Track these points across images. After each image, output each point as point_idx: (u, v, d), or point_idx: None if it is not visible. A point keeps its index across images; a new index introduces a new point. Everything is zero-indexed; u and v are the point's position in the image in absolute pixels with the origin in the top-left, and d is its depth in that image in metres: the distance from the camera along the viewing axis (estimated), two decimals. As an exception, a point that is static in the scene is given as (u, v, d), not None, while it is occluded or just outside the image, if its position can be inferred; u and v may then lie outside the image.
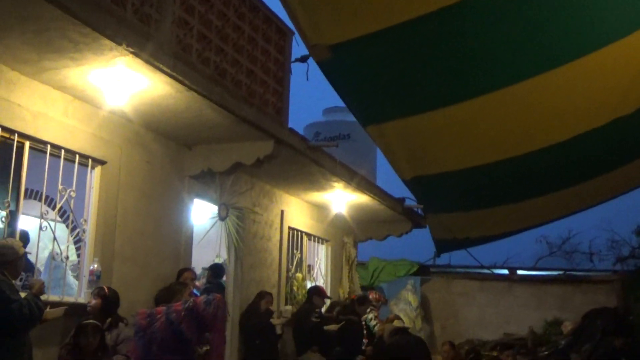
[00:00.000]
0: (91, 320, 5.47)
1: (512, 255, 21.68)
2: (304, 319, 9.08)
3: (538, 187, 11.12)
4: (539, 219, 13.00)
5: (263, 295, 8.60)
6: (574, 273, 14.15)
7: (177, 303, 5.67)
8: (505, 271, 14.44)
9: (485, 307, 13.37)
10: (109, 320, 5.85)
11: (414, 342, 8.59)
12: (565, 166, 10.38)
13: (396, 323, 8.92)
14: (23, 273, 5.44)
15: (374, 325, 10.20)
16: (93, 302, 5.82)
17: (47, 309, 5.04)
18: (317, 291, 9.55)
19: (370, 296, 10.91)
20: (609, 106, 9.12)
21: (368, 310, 10.36)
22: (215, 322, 5.26)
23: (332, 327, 9.12)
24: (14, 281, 4.88)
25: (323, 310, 9.87)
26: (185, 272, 7.22)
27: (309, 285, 10.83)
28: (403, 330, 8.61)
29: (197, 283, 8.29)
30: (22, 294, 4.85)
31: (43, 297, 5.11)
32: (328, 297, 10.18)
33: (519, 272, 14.20)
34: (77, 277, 6.56)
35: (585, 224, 19.41)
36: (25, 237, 5.92)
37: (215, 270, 8.63)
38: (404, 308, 12.42)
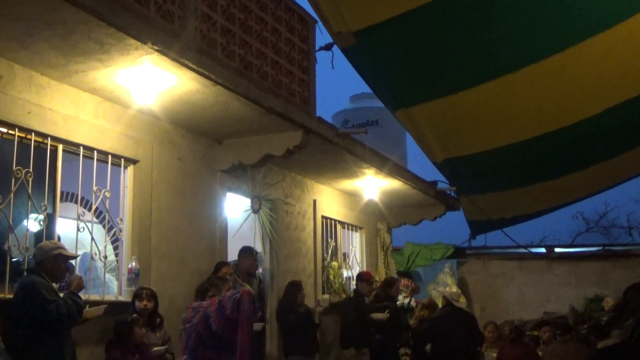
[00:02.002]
0: (135, 315, 5.59)
1: (548, 233, 21.55)
2: (346, 310, 9.04)
3: (572, 162, 10.95)
4: (574, 195, 12.80)
5: (299, 286, 8.57)
6: (613, 248, 13.94)
7: (215, 297, 5.72)
8: (543, 250, 14.28)
9: (524, 287, 13.25)
10: (158, 320, 6.03)
11: (462, 315, 8.67)
12: (600, 140, 10.20)
13: (449, 289, 8.94)
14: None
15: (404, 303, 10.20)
16: (147, 304, 5.93)
17: (87, 308, 5.12)
18: (361, 277, 9.40)
19: (401, 282, 10.90)
20: (642, 76, 8.93)
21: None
22: (238, 316, 5.22)
23: (381, 315, 9.06)
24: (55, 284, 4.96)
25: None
26: (223, 266, 7.27)
27: (345, 273, 10.85)
28: (450, 304, 8.67)
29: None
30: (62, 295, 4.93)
31: (84, 297, 5.20)
32: (376, 281, 10.04)
33: (557, 249, 14.03)
34: (115, 276, 6.65)
35: (621, 198, 19.15)
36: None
37: None
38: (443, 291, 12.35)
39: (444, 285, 12.17)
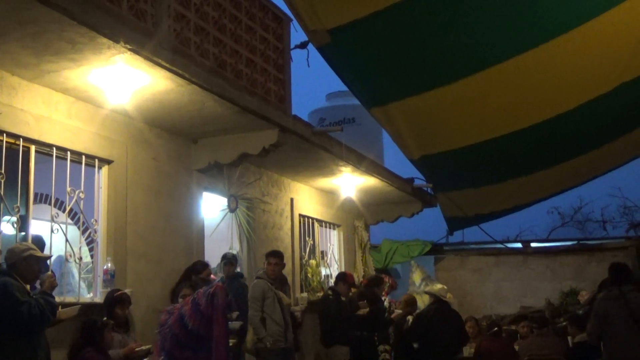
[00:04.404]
0: (105, 319, 5.53)
1: (524, 228, 21.66)
2: (325, 308, 9.03)
3: (547, 158, 11.06)
4: (549, 190, 12.93)
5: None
6: (587, 242, 14.10)
7: (188, 298, 5.71)
8: (519, 245, 14.40)
9: (501, 282, 13.35)
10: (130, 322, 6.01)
11: (450, 312, 8.73)
12: (574, 135, 10.31)
13: (436, 286, 8.97)
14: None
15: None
16: (127, 309, 5.90)
17: (60, 309, 5.06)
18: (343, 277, 9.28)
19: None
20: (614, 71, 9.02)
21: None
22: (213, 312, 5.22)
23: (360, 312, 9.09)
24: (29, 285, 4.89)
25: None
26: (205, 268, 7.21)
27: (323, 271, 10.85)
28: (439, 300, 8.71)
29: (212, 276, 8.30)
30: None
31: (59, 299, 5.14)
32: (355, 286, 9.98)
33: (533, 244, 14.16)
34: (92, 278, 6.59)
35: (596, 192, 19.30)
36: (38, 242, 5.89)
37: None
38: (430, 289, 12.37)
39: (413, 285, 12.21)
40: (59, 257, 6.28)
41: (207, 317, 5.22)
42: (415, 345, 8.76)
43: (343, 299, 9.15)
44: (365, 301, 9.31)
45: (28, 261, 4.81)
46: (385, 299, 10.31)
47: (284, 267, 8.08)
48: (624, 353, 6.81)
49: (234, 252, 9.06)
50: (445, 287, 9.25)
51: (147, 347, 5.80)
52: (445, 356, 8.47)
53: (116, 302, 5.85)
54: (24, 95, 5.63)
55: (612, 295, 7.04)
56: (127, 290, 6.24)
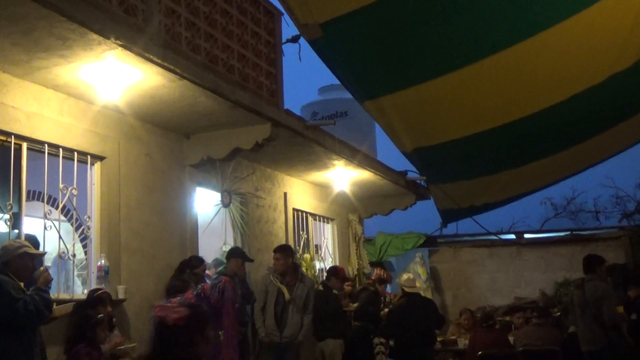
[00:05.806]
0: (100, 316, 5.54)
1: (518, 219, 21.74)
2: (318, 303, 9.04)
3: (539, 149, 11.09)
4: (542, 181, 12.98)
5: None
6: (580, 232, 14.16)
7: (189, 292, 5.71)
8: (513, 236, 14.46)
9: (495, 273, 13.40)
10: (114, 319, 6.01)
11: (421, 302, 8.74)
12: (566, 126, 10.34)
13: (405, 277, 8.98)
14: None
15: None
16: (110, 308, 5.87)
17: (54, 306, 5.06)
18: (335, 272, 9.29)
19: (374, 272, 10.96)
20: (605, 63, 9.06)
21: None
22: (223, 305, 5.27)
23: (351, 307, 9.12)
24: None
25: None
26: (201, 264, 7.21)
27: (317, 265, 10.86)
28: (411, 293, 8.72)
29: (207, 272, 8.30)
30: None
31: (53, 296, 5.14)
32: (348, 280, 10.01)
33: (526, 235, 14.21)
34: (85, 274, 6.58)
35: (588, 182, 19.40)
36: (32, 240, 5.86)
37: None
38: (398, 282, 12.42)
39: (415, 275, 12.26)
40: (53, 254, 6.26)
41: (216, 310, 5.28)
42: (391, 343, 8.78)
43: (335, 292, 9.17)
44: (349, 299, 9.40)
45: (22, 258, 4.81)
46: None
47: (289, 261, 8.07)
48: (581, 335, 7.82)
49: (226, 248, 9.06)
50: (410, 276, 9.23)
51: (132, 345, 5.81)
52: (423, 347, 8.51)
53: (96, 301, 5.80)
54: (15, 92, 5.62)
55: (576, 284, 8.19)
56: (120, 287, 6.25)
